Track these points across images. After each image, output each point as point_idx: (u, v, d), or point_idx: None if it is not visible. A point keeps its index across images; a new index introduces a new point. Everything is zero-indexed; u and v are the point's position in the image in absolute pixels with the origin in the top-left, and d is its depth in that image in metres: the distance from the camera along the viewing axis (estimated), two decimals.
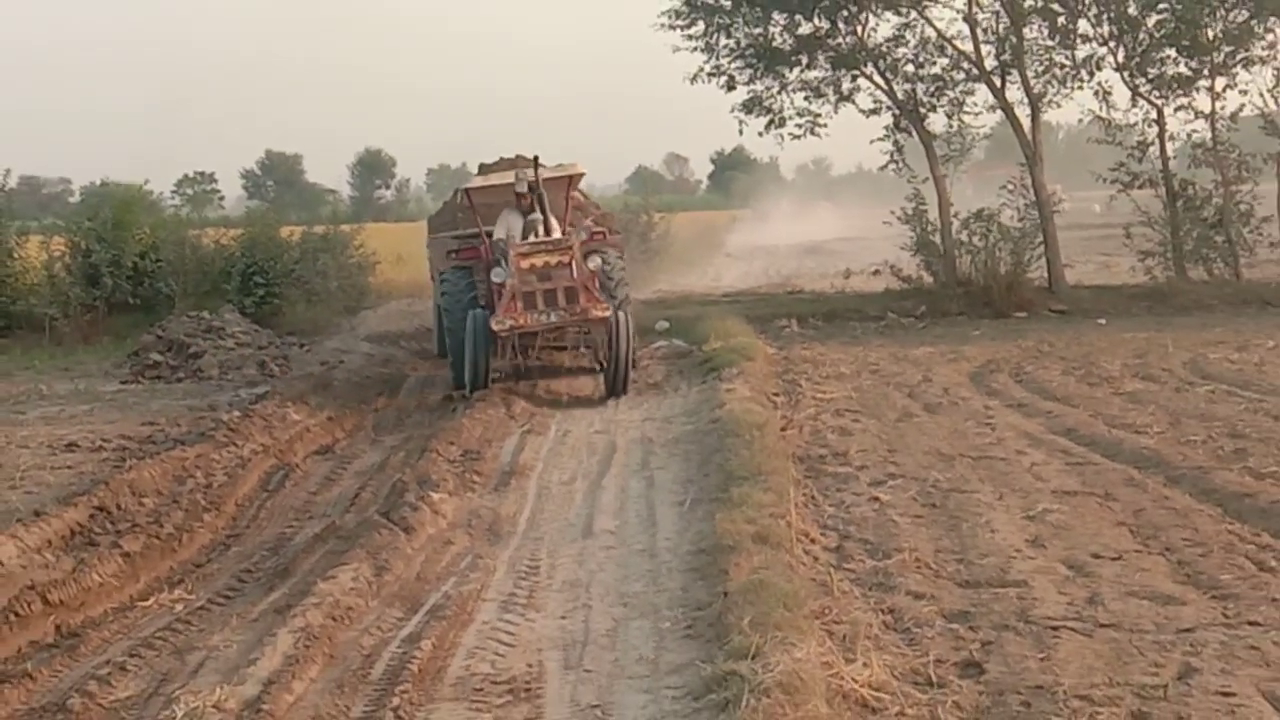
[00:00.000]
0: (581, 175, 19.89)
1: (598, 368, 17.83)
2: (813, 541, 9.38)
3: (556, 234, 17.57)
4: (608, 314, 16.62)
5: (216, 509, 11.43)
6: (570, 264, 16.71)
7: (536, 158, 17.89)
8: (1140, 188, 28.09)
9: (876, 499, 10.72)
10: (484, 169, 21.46)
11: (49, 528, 10.07)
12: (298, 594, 8.63)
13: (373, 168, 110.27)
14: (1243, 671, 6.59)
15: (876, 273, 29.33)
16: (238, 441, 13.80)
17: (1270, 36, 27.40)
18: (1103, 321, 24.56)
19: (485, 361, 16.87)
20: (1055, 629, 7.33)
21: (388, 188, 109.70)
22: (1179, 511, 9.84)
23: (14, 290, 26.42)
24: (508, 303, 16.52)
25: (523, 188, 17.48)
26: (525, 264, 16.63)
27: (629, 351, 17.07)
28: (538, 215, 17.49)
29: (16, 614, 8.27)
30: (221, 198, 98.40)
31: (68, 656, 7.86)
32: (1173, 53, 27.49)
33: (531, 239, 17.19)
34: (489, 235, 17.99)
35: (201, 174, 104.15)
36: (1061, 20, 27.62)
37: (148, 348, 21.74)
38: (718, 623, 7.48)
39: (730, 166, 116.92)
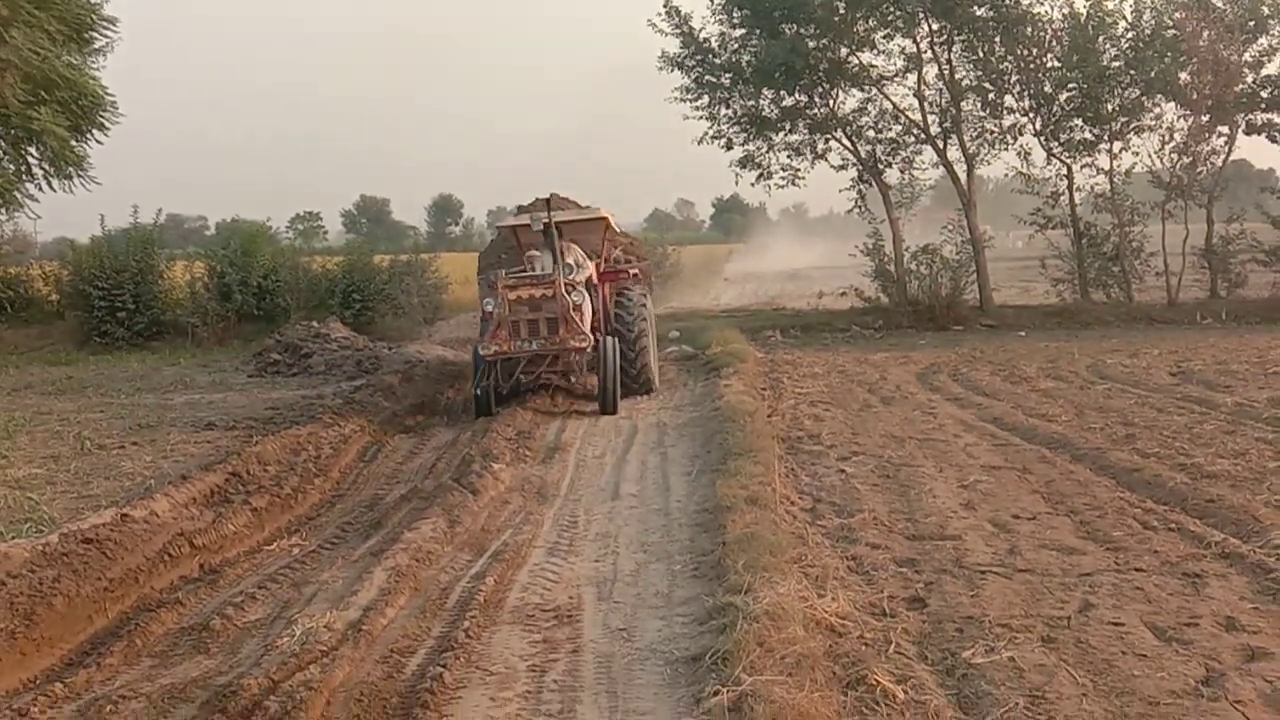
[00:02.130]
0: (605, 219, 17.62)
1: (585, 387, 16.31)
2: (792, 503, 9.33)
3: (549, 269, 15.52)
4: (585, 345, 14.88)
5: (324, 475, 11.45)
6: (553, 296, 14.79)
7: (549, 199, 16.64)
8: (1053, 228, 28.05)
9: (843, 471, 10.66)
10: (521, 209, 19.71)
11: (194, 488, 10.03)
12: (389, 541, 8.65)
13: (445, 209, 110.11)
14: (1130, 607, 6.56)
15: (843, 294, 29.17)
16: (340, 423, 13.74)
17: (1157, 110, 27.36)
18: (1023, 334, 24.49)
19: (486, 388, 15.06)
20: (983, 573, 7.31)
21: (457, 224, 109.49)
22: (1081, 483, 9.79)
23: (164, 303, 26.60)
24: (494, 330, 14.96)
25: (538, 227, 15.75)
26: (512, 295, 14.88)
27: (616, 375, 15.19)
28: (536, 253, 15.95)
29: (169, 555, 8.32)
30: (325, 232, 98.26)
31: (209, 588, 7.91)
32: (1080, 122, 27.40)
33: (523, 272, 15.70)
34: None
35: (310, 213, 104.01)
36: (991, 96, 27.62)
37: (269, 349, 21.74)
38: (718, 566, 7.46)
39: (728, 209, 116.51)
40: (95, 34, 28.38)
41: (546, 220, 15.65)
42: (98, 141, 28.02)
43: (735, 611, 6.22)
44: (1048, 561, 7.55)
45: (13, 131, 26.30)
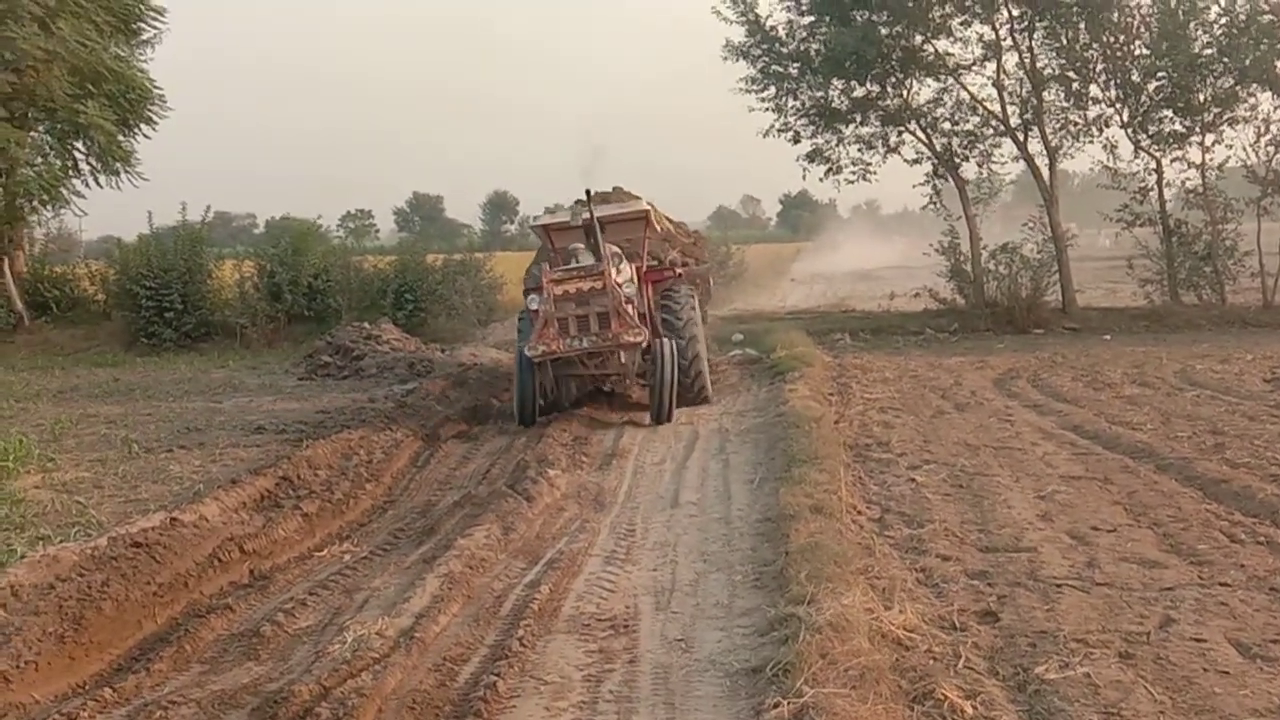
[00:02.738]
0: (644, 213, 16.88)
1: (638, 386, 15.73)
2: (859, 513, 9.38)
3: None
4: (640, 339, 14.38)
5: (376, 480, 11.58)
6: (603, 289, 14.35)
7: (589, 192, 15.87)
8: (1141, 226, 27.71)
9: (913, 480, 10.68)
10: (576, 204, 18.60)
11: (243, 493, 10.26)
12: (442, 548, 8.80)
13: (500, 206, 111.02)
14: (1213, 623, 6.56)
15: (917, 295, 29.10)
16: (392, 427, 13.92)
17: (1252, 100, 26.92)
18: (1108, 337, 24.27)
19: (531, 393, 14.60)
20: (1059, 586, 7.32)
21: (512, 222, 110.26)
22: (1165, 493, 9.73)
23: (212, 304, 27.07)
24: (541, 329, 14.37)
25: (578, 223, 15.64)
26: (558, 290, 14.37)
27: (673, 380, 14.60)
28: (579, 246, 15.60)
29: (219, 560, 8.51)
30: (377, 230, 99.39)
31: (260, 594, 8.08)
32: (1169, 113, 27.04)
33: (567, 265, 15.17)
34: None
35: (361, 211, 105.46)
36: (1075, 85, 27.35)
37: (320, 351, 22.08)
38: (780, 576, 7.54)
39: (796, 206, 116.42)
40: (143, 25, 29.06)
41: (587, 216, 15.30)
42: (145, 136, 28.72)
43: (798, 622, 6.30)
44: (1128, 575, 7.55)
45: (59, 126, 26.98)
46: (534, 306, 14.75)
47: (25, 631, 6.63)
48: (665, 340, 14.82)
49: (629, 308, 14.58)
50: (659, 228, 17.96)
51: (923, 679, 5.74)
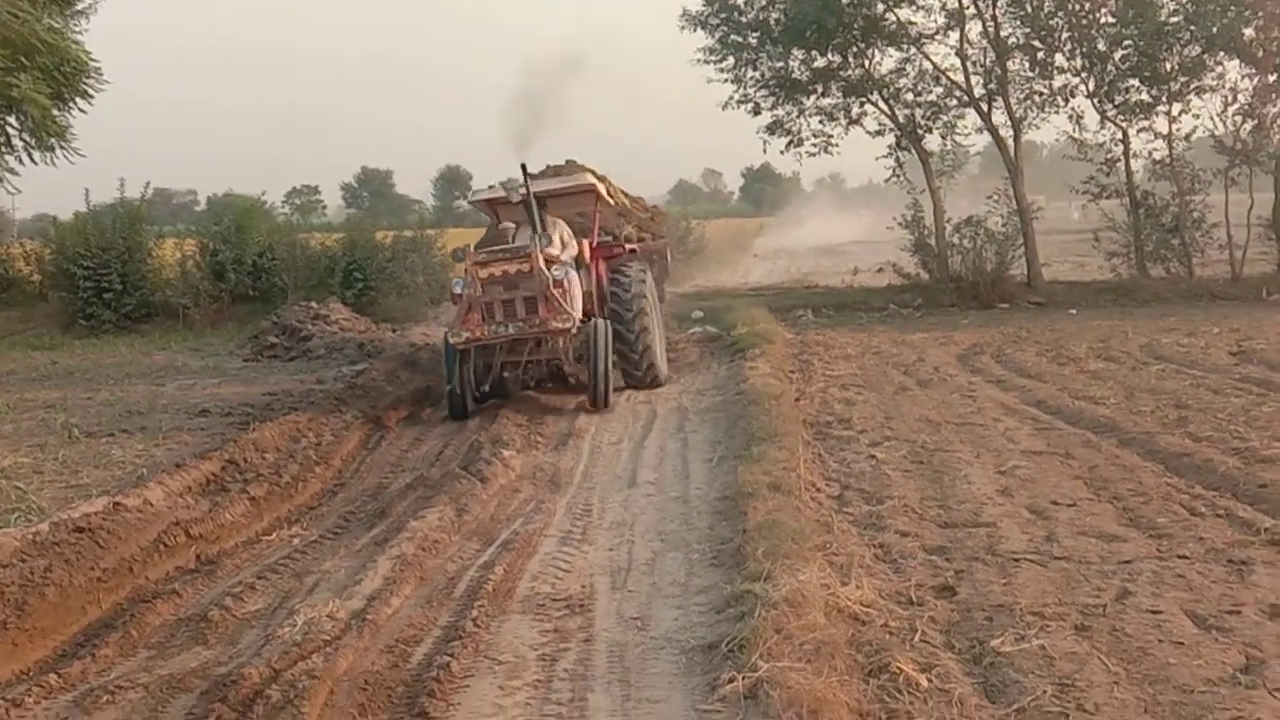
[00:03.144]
0: (592, 186, 16.21)
1: (574, 379, 14.92)
2: (818, 490, 9.53)
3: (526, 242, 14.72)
4: (569, 325, 13.98)
5: (325, 463, 11.67)
6: (531, 272, 13.93)
7: (524, 165, 15.00)
8: (1108, 198, 28.07)
9: (873, 457, 10.84)
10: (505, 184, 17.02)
11: (189, 476, 10.31)
12: (393, 530, 8.90)
13: (453, 181, 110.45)
14: (1170, 595, 6.74)
15: (880, 270, 29.40)
16: (341, 409, 14.00)
17: (1219, 69, 27.27)
18: (1074, 312, 24.56)
19: (459, 383, 14.13)
20: (1016, 560, 7.49)
21: (464, 198, 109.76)
22: (1127, 468, 9.94)
23: (153, 283, 26.95)
24: (465, 314, 14.02)
25: (515, 199, 14.99)
26: (483, 273, 13.98)
27: (607, 363, 14.28)
28: (510, 225, 15.37)
29: (165, 545, 8.58)
30: (324, 207, 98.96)
31: (207, 578, 8.17)
32: (1136, 82, 27.36)
33: (494, 247, 14.83)
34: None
35: (307, 186, 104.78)
36: (1040, 55, 27.63)
37: (265, 332, 22.07)
38: (737, 554, 7.67)
39: (759, 180, 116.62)
40: None
41: (525, 191, 14.81)
42: (81, 111, 28.42)
43: (754, 599, 6.44)
44: (1086, 549, 7.72)
45: None
46: (457, 290, 14.46)
47: None
48: (599, 321, 14.45)
49: (558, 291, 14.11)
50: (613, 202, 17.45)
51: (879, 653, 5.90)
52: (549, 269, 14.17)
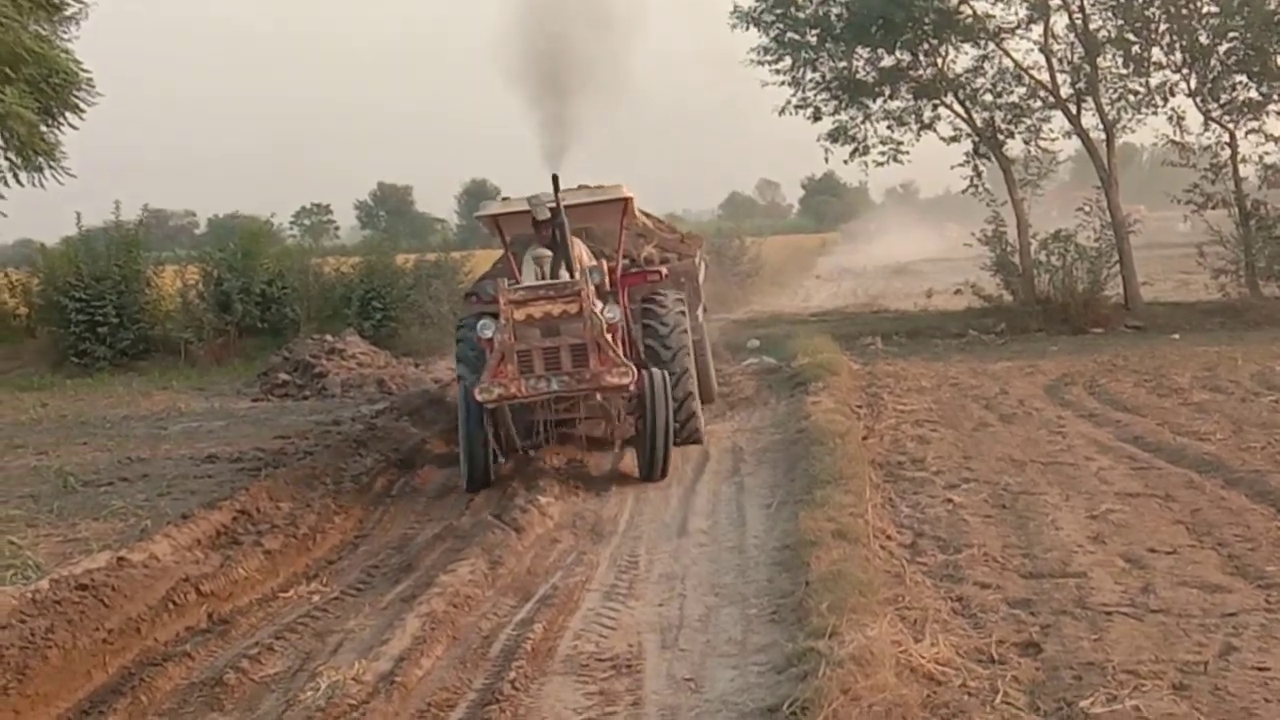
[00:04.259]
0: (628, 200, 14.96)
1: (616, 445, 13.83)
2: (889, 538, 9.62)
3: (565, 275, 13.29)
4: (628, 380, 12.51)
5: (345, 512, 11.89)
6: (579, 314, 12.49)
7: (555, 176, 13.47)
8: (1214, 208, 27.96)
9: (950, 501, 10.92)
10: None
11: (197, 529, 10.53)
12: (422, 585, 9.07)
13: (479, 197, 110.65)
14: (1279, 651, 6.82)
15: (958, 292, 29.40)
16: (361, 452, 14.22)
17: None
18: (1176, 337, 24.48)
19: (480, 446, 12.74)
20: (1109, 614, 7.57)
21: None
22: (1233, 511, 9.99)
23: (152, 316, 27.26)
24: (496, 365, 12.46)
25: (543, 214, 13.49)
26: (520, 314, 12.46)
27: (669, 421, 12.81)
28: (546, 253, 13.54)
29: (174, 603, 8.80)
30: (336, 228, 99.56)
31: (220, 639, 8.36)
32: (1243, 79, 27.37)
33: (531, 282, 13.24)
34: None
35: (318, 205, 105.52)
36: (1135, 49, 27.55)
37: (276, 368, 22.29)
38: (799, 608, 7.79)
39: (821, 191, 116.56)
40: (68, 1, 29.44)
41: (554, 205, 13.53)
42: (72, 126, 28.97)
43: (817, 657, 6.58)
44: (1186, 600, 7.79)
45: None
46: (487, 334, 12.84)
47: None
48: (656, 372, 13.02)
49: (611, 338, 12.85)
50: (635, 221, 16.67)
51: (956, 715, 6.05)
52: (602, 310, 12.90)
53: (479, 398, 12.46)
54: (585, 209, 14.57)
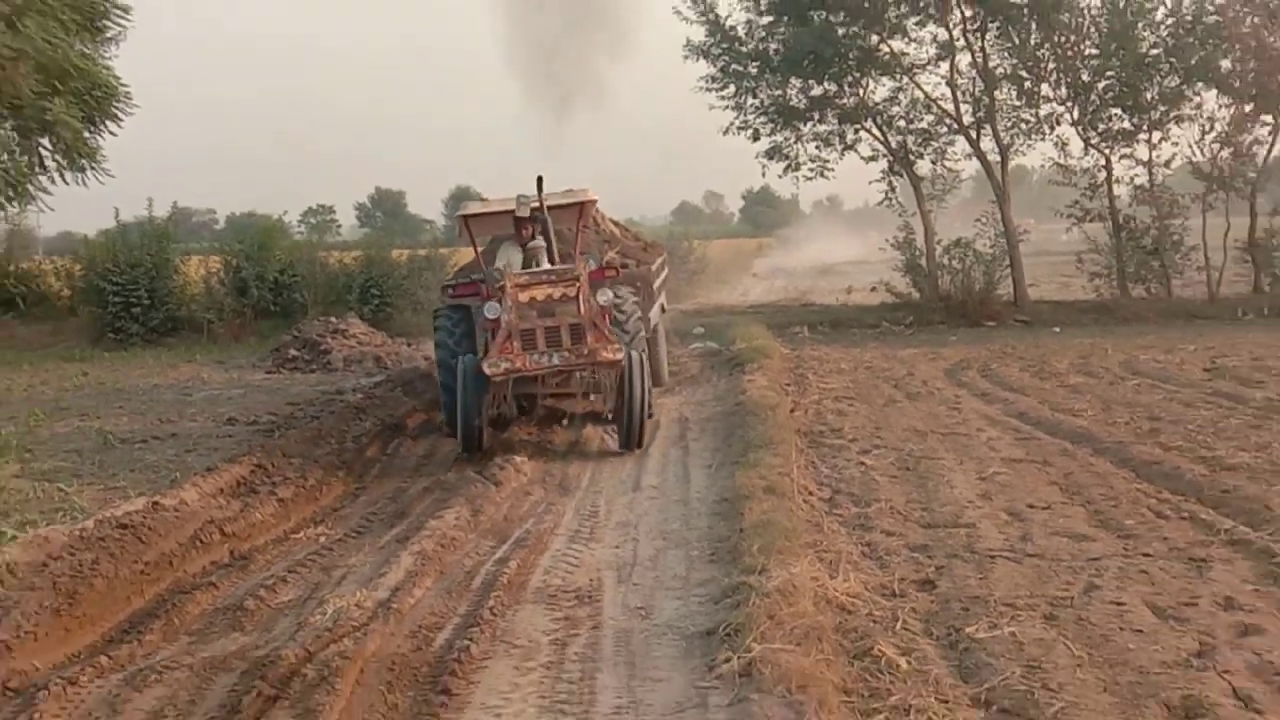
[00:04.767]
0: (593, 202, 14.77)
1: (607, 416, 13.47)
2: (810, 494, 9.80)
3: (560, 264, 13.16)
4: (620, 356, 12.25)
5: (347, 468, 12.00)
6: (577, 297, 12.32)
7: (540, 178, 13.32)
8: (1092, 221, 28.23)
9: (863, 463, 11.11)
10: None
11: (220, 479, 10.57)
12: (414, 529, 9.22)
13: (462, 200, 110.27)
14: (1133, 588, 7.05)
15: (874, 290, 29.51)
16: (361, 417, 14.27)
17: (1197, 99, 27.60)
18: (1057, 330, 24.83)
19: (479, 417, 12.45)
20: (993, 557, 7.79)
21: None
22: (1100, 474, 10.24)
23: (178, 299, 27.13)
24: (503, 342, 12.18)
25: (525, 212, 13.24)
26: (524, 296, 12.24)
27: (644, 398, 12.68)
28: (540, 243, 13.19)
29: (201, 541, 8.91)
30: (339, 225, 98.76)
31: (241, 572, 8.48)
32: (1118, 111, 27.61)
33: (532, 268, 12.89)
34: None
35: (323, 206, 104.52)
36: (1027, 84, 27.87)
37: (286, 345, 22.21)
38: (734, 550, 7.95)
39: (758, 202, 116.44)
40: (109, 23, 29.16)
41: (537, 205, 13.36)
42: (111, 133, 28.83)
43: (749, 590, 6.73)
44: (1057, 547, 8.02)
45: (26, 123, 27.13)
46: (491, 315, 12.51)
47: (23, 605, 6.99)
48: (634, 353, 12.72)
49: (604, 318, 12.72)
50: (603, 227, 16.61)
51: (863, 638, 6.22)
52: (595, 294, 12.73)
53: (488, 371, 12.11)
54: (557, 210, 14.05)
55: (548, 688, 6.01)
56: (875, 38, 28.09)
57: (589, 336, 12.30)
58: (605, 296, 12.86)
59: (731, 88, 28.75)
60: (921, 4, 27.66)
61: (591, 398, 13.86)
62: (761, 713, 5.18)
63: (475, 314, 13.12)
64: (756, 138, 29.13)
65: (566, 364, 12.36)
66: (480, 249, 14.93)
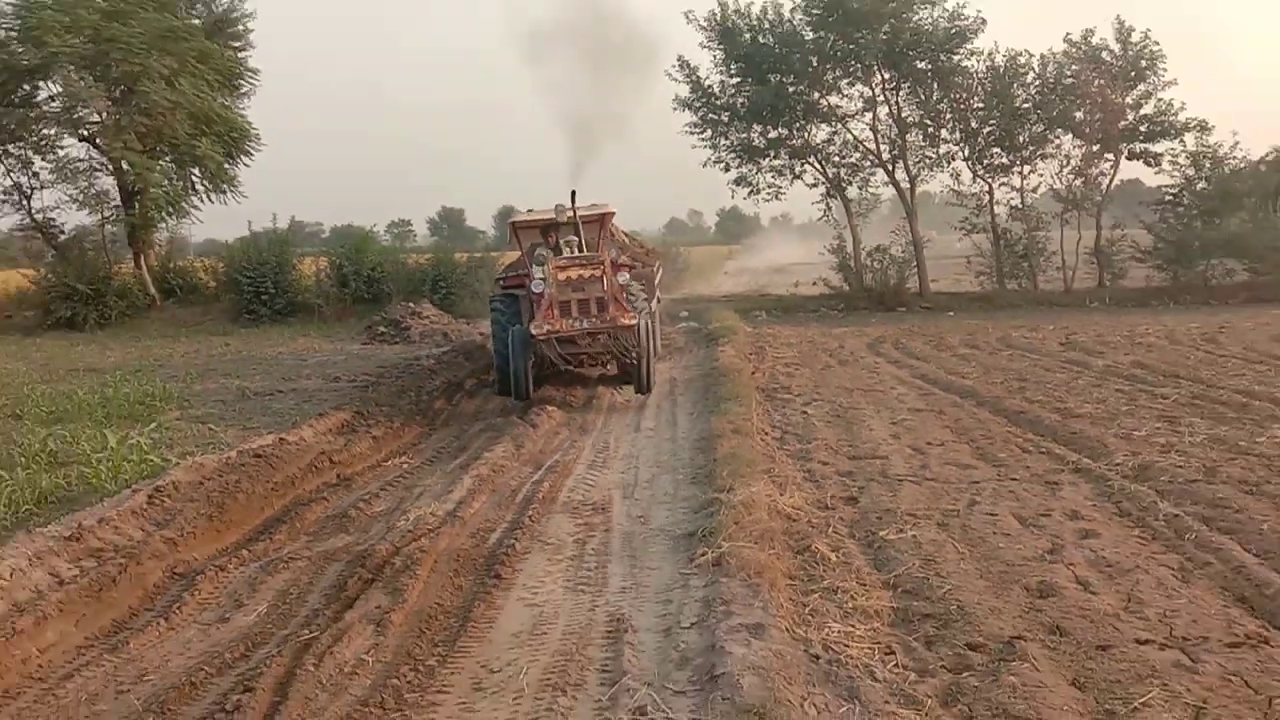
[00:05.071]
0: (612, 214, 14.61)
1: (625, 378, 13.43)
2: (766, 434, 9.90)
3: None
4: (635, 322, 12.31)
5: (423, 414, 12.05)
6: (602, 277, 12.36)
7: (574, 192, 13.44)
8: (978, 233, 28.13)
9: (805, 412, 11.19)
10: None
11: (329, 422, 10.67)
12: (472, 459, 9.30)
13: (506, 216, 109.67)
14: (1003, 504, 7.15)
15: (815, 284, 29.46)
16: (433, 377, 14.32)
17: (1058, 141, 27.50)
18: (951, 314, 24.79)
19: (525, 370, 12.49)
20: (900, 481, 7.89)
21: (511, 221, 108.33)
22: (981, 420, 10.32)
23: (296, 289, 27.03)
24: (546, 310, 12.22)
25: (563, 218, 13.33)
26: (562, 276, 12.29)
27: (651, 354, 12.97)
28: (573, 238, 13.36)
29: (315, 467, 9.01)
30: (415, 235, 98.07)
31: (345, 490, 8.58)
32: (998, 150, 27.47)
33: (567, 254, 12.96)
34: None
35: (402, 220, 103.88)
36: (930, 130, 27.74)
37: (377, 324, 22.16)
38: (709, 474, 8.04)
39: (730, 219, 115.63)
40: (243, 81, 29.10)
41: (571, 212, 13.39)
42: (245, 165, 28.85)
43: (719, 503, 6.83)
44: (948, 474, 8.12)
45: (181, 157, 27.10)
46: (537, 290, 12.50)
47: (185, 512, 7.11)
48: (644, 321, 12.74)
49: (623, 293, 12.72)
50: (617, 236, 16.26)
51: (803, 538, 6.31)
52: (616, 276, 12.78)
53: (534, 333, 12.14)
54: (584, 218, 13.97)
55: (572, 573, 6.11)
56: (817, 94, 27.87)
57: (611, 307, 12.31)
58: (623, 278, 12.99)
59: (709, 132, 28.55)
60: (851, 69, 27.46)
61: (608, 368, 13.73)
62: (728, 592, 5.27)
63: (522, 299, 13.02)
64: (728, 169, 28.89)
65: (594, 328, 12.36)
66: (522, 251, 14.79)
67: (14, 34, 25.24)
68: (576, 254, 12.93)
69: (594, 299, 12.34)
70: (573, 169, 14.93)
